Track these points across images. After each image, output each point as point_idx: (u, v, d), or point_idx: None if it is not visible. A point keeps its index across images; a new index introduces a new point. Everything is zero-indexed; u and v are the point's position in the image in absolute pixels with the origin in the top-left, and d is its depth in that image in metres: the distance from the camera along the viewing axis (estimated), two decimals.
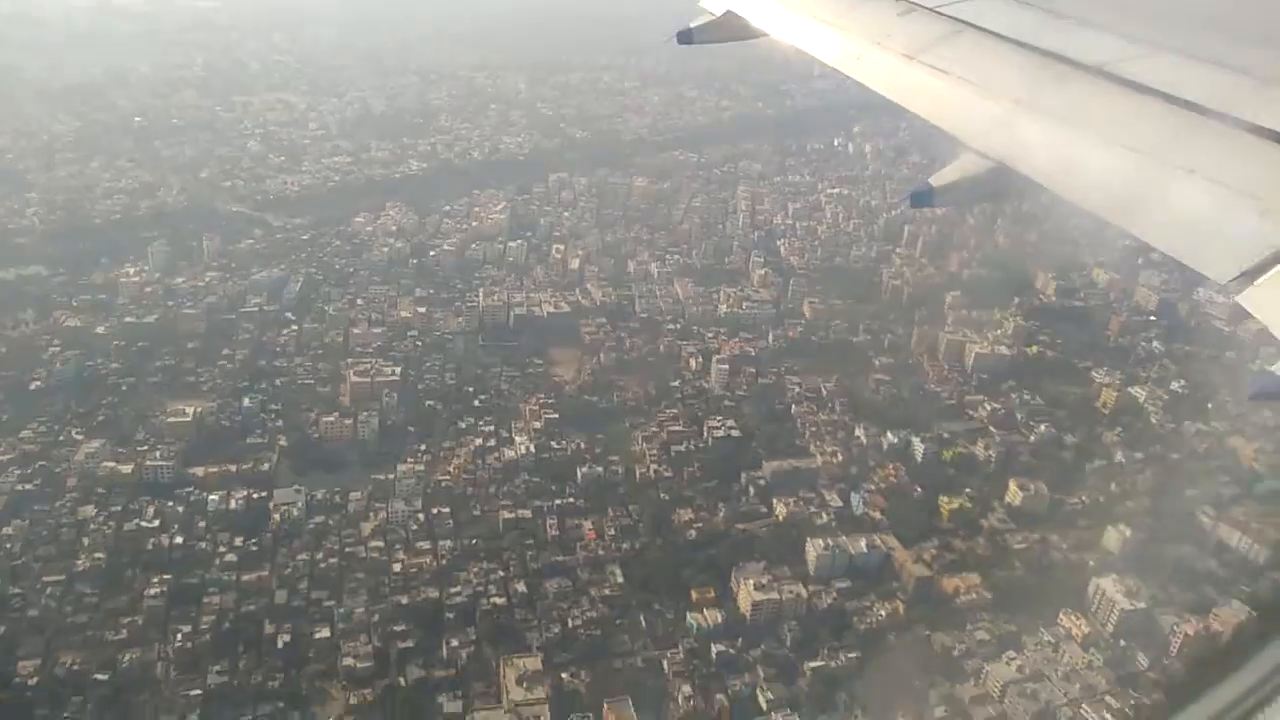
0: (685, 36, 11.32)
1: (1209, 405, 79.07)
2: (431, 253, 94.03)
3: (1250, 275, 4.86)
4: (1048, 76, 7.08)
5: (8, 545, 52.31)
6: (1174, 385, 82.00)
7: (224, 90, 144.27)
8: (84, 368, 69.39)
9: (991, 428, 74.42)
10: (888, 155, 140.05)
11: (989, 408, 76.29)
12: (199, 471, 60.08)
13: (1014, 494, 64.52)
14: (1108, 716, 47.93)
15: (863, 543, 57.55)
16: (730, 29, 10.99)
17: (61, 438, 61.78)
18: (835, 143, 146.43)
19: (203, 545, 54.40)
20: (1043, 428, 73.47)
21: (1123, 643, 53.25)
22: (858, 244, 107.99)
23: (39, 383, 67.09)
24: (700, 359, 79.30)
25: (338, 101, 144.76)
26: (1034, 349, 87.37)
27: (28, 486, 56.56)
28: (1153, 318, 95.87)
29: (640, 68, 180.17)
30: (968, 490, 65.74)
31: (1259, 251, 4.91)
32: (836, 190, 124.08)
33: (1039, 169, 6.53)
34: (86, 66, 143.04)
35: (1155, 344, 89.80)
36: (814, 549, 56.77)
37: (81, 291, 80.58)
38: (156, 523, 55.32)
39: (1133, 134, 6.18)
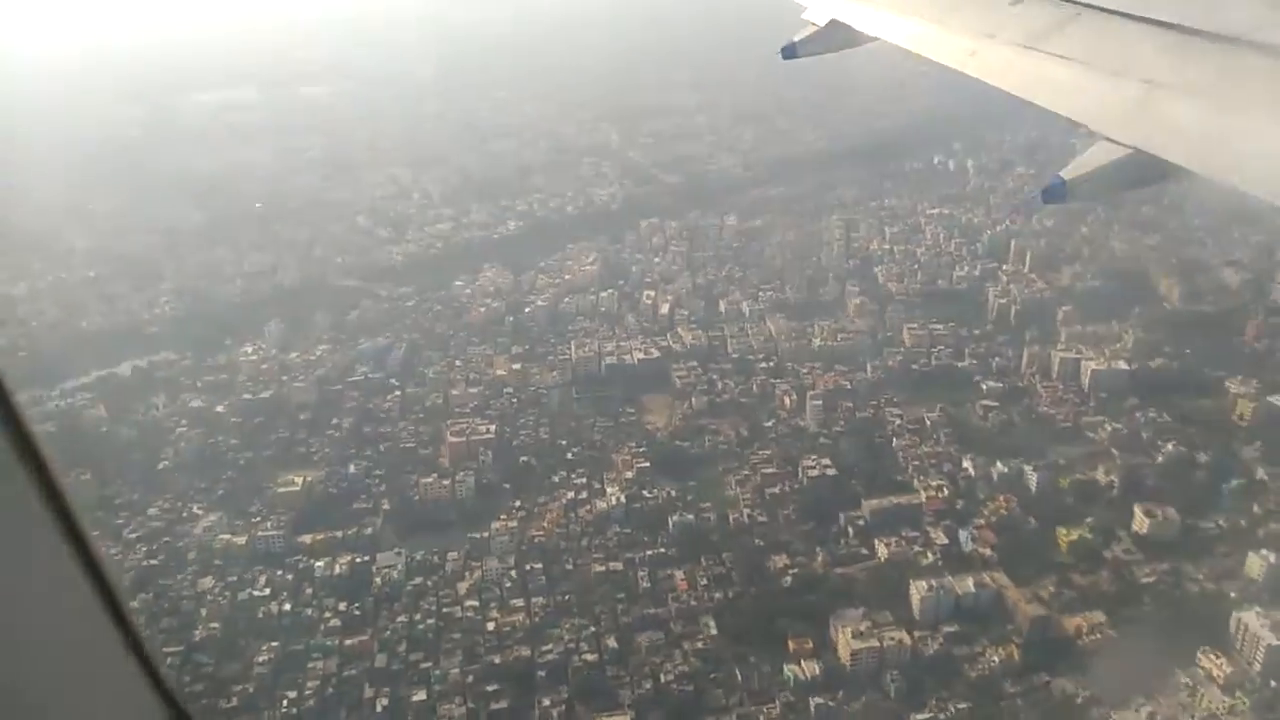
0: (790, 51, 11.09)
1: None
2: (526, 309, 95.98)
3: None
4: (1182, 51, 6.67)
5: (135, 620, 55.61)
6: None
7: (335, 171, 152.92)
8: (205, 446, 73.83)
9: (1113, 450, 69.49)
10: (990, 169, 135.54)
11: (1109, 428, 71.36)
12: (307, 539, 62.59)
13: (1140, 521, 59.84)
14: None
15: (970, 582, 54.34)
16: (835, 39, 10.78)
17: (184, 513, 65.69)
18: (935, 161, 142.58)
19: (309, 611, 56.47)
20: (1170, 446, 68.10)
21: (1273, 683, 48.14)
22: (960, 263, 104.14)
23: (166, 462, 71.73)
24: (794, 396, 77.44)
25: (440, 170, 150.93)
26: (1158, 362, 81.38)
27: (153, 562, 60.27)
28: None
29: (734, 104, 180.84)
30: (1089, 520, 61.41)
31: None
32: (936, 210, 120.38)
33: (1181, 151, 6.09)
34: (211, 157, 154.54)
35: None
36: (918, 591, 54.00)
37: (206, 373, 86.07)
38: (267, 591, 57.85)
39: (1275, 104, 5.66)
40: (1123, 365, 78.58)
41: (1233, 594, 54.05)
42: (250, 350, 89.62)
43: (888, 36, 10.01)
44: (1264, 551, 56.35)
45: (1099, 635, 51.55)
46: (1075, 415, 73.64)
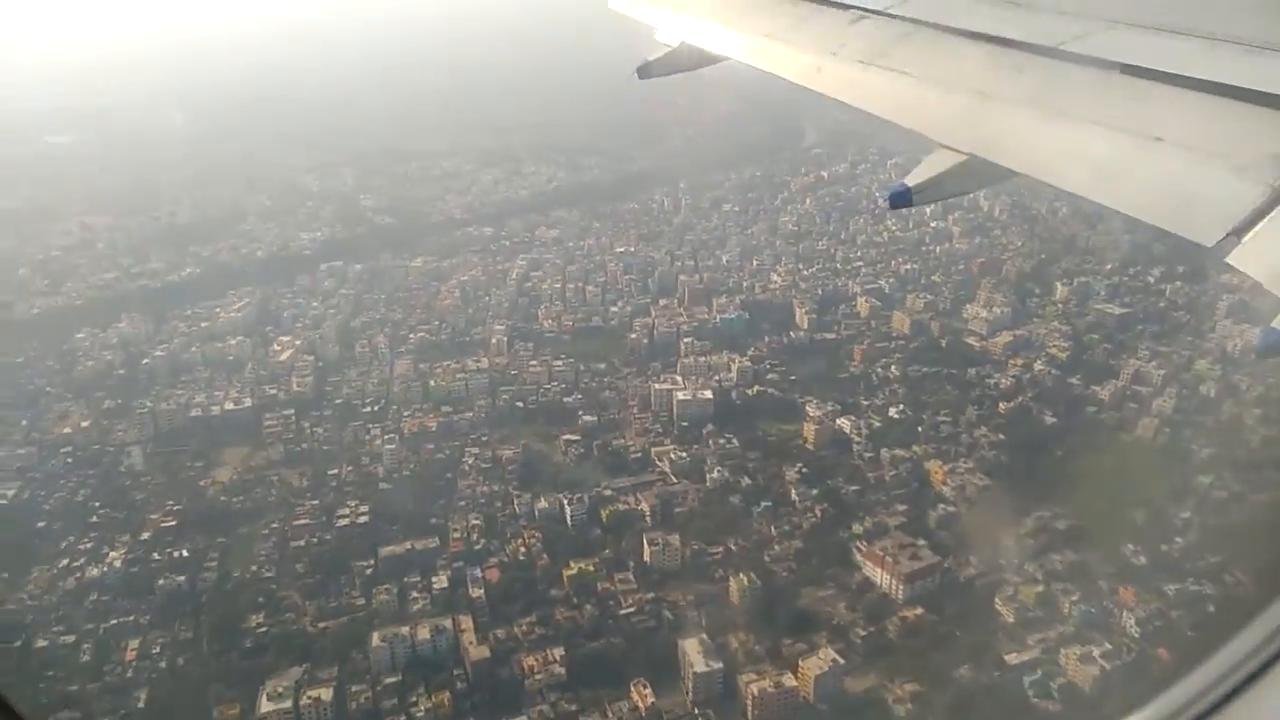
0: (645, 71, 11.41)
1: (918, 428, 75.18)
2: (144, 360, 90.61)
3: (1237, 234, 4.88)
4: (1006, 63, 7.28)
5: None
6: (892, 411, 78.08)
7: (26, 222, 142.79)
8: None
9: (674, 478, 69.96)
10: (700, 207, 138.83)
11: (675, 457, 71.81)
12: None
13: (646, 550, 59.74)
14: None
15: (428, 629, 52.42)
16: (687, 59, 11.24)
17: None
18: (649, 201, 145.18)
19: None
20: (716, 472, 68.96)
21: (697, 712, 48.01)
22: (623, 300, 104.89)
23: None
24: (380, 441, 75.05)
25: (141, 218, 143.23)
26: (754, 389, 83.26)
27: None
28: (903, 341, 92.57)
29: (482, 147, 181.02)
30: (607, 551, 60.99)
31: (1240, 210, 4.95)
32: (623, 249, 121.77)
33: (1010, 155, 6.62)
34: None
35: (893, 369, 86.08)
36: (376, 641, 51.71)
37: None
38: None
39: (1095, 108, 6.29)
40: (708, 395, 79.68)
41: (704, 620, 54.15)
42: None
43: (737, 55, 10.35)
44: (751, 574, 57.04)
45: (548, 672, 50.40)
46: (649, 446, 73.90)
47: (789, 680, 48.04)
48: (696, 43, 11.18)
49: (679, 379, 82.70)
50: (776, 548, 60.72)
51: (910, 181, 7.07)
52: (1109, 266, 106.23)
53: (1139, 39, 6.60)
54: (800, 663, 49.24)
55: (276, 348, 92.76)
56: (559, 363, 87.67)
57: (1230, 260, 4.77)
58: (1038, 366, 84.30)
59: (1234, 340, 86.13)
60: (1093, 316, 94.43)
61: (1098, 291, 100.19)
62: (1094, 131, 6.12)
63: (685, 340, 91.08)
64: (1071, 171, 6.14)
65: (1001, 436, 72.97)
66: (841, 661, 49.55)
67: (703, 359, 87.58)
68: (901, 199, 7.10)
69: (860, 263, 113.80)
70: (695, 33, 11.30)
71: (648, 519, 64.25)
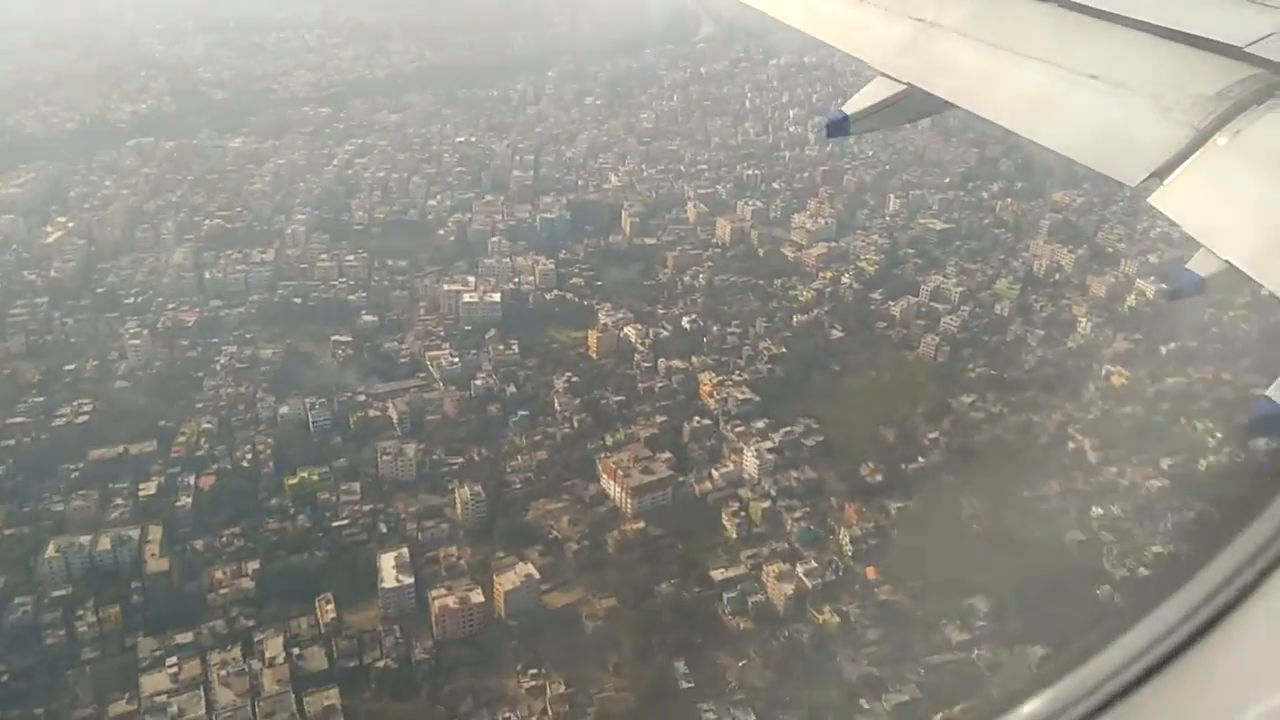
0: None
1: (704, 339, 73.50)
2: None
3: (1159, 175, 4.95)
4: None
5: None
6: (685, 321, 76.09)
7: None
8: None
9: (440, 384, 67.21)
10: (562, 99, 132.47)
11: (446, 362, 68.86)
12: None
13: (379, 460, 57.31)
14: None
15: (108, 540, 49.38)
16: None
17: None
18: (510, 89, 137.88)
19: None
20: (481, 379, 66.44)
21: (382, 628, 46.49)
22: (445, 194, 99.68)
23: None
24: (143, 334, 70.15)
25: None
26: (552, 294, 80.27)
27: None
28: (719, 249, 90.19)
29: (356, 20, 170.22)
30: (342, 460, 58.34)
31: (1164, 152, 4.99)
32: (463, 139, 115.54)
33: (947, 87, 6.60)
34: None
35: (700, 278, 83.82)
36: (52, 551, 48.59)
37: None
38: None
39: (1034, 44, 6.26)
40: (495, 298, 76.46)
41: (419, 534, 52.38)
42: None
43: None
44: (482, 486, 55.28)
45: (234, 587, 48.27)
46: (424, 350, 70.71)
47: (476, 596, 46.66)
48: None
49: (470, 280, 78.98)
50: (520, 458, 58.89)
51: (849, 109, 7.01)
52: (947, 180, 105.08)
53: None
54: (495, 578, 47.91)
55: (50, 229, 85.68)
56: (352, 258, 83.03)
57: (1152, 201, 4.94)
58: (844, 280, 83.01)
59: (1043, 259, 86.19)
60: (916, 231, 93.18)
61: (930, 206, 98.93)
62: (1031, 67, 6.16)
63: (495, 239, 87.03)
64: (1007, 107, 6.18)
65: (784, 350, 71.81)
66: (537, 576, 48.38)
67: (507, 260, 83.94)
68: (839, 128, 7.04)
69: (705, 166, 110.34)
70: None
71: (396, 427, 61.59)
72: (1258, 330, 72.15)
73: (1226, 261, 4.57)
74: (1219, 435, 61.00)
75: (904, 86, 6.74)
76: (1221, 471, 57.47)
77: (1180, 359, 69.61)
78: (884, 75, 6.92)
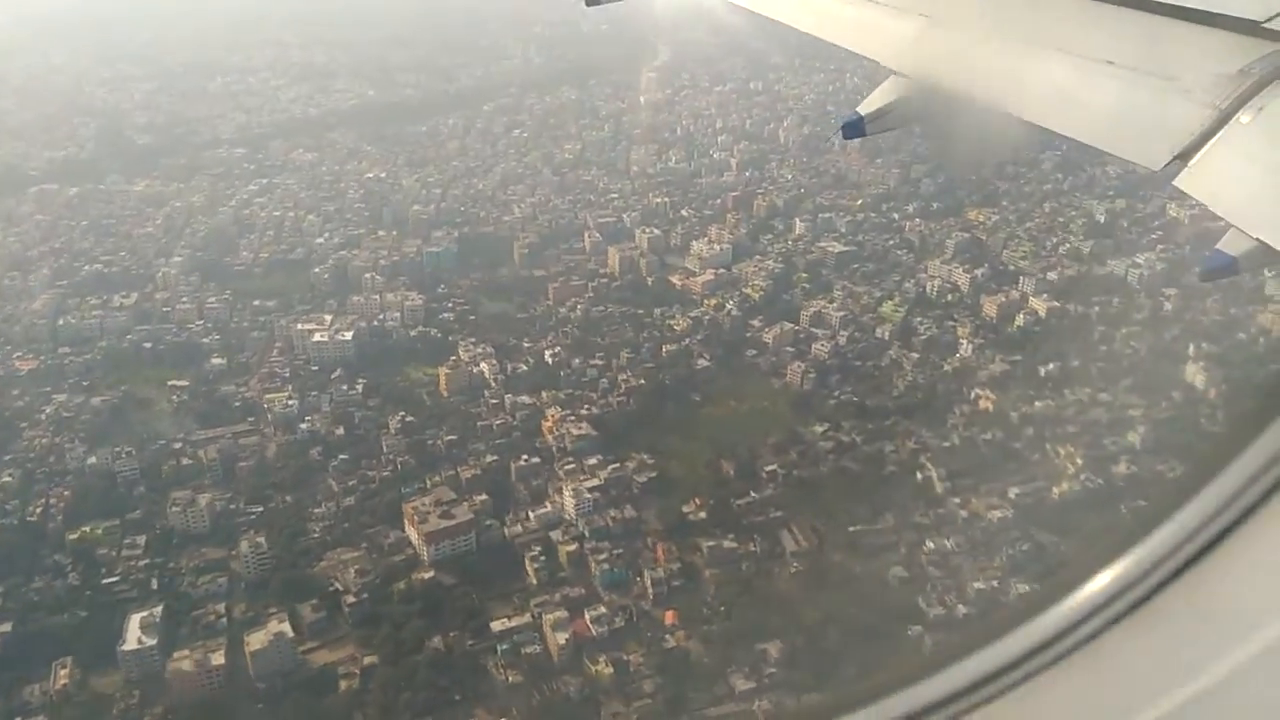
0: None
1: (562, 373, 70.39)
2: None
3: (1183, 158, 4.85)
4: None
5: None
6: (548, 355, 73.06)
7: None
8: None
9: (269, 429, 64.34)
10: (491, 132, 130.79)
11: (282, 406, 65.99)
12: None
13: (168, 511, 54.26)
14: None
15: None
16: None
17: None
18: (442, 125, 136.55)
19: None
20: (309, 422, 63.57)
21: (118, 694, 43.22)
22: (336, 231, 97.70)
23: None
24: None
25: None
26: (417, 330, 77.50)
27: None
28: (606, 279, 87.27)
29: (304, 62, 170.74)
30: (138, 513, 55.33)
31: (1187, 134, 4.87)
32: (373, 175, 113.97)
33: (960, 82, 6.56)
34: None
35: (578, 309, 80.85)
36: None
37: None
38: None
39: (1047, 33, 6.19)
40: (347, 336, 73.77)
41: (194, 589, 49.21)
42: None
43: None
44: (271, 535, 52.17)
45: None
46: (263, 392, 67.98)
47: (218, 658, 43.32)
48: None
49: (326, 319, 76.39)
50: (327, 505, 55.72)
51: (863, 110, 6.97)
52: (860, 202, 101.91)
53: None
54: (245, 637, 44.59)
55: None
56: (215, 300, 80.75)
57: (1178, 184, 4.80)
58: (727, 307, 79.79)
59: (937, 280, 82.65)
60: (815, 254, 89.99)
61: (837, 228, 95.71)
62: (1045, 56, 6.08)
63: (369, 275, 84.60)
64: (1026, 99, 6.06)
65: (642, 382, 68.52)
66: (289, 634, 44.95)
67: (376, 297, 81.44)
68: (854, 129, 7.01)
69: (616, 195, 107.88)
70: None
71: (205, 475, 58.66)
72: (1145, 348, 68.64)
73: (1258, 240, 4.56)
74: (1079, 461, 57.09)
75: (917, 85, 6.74)
76: (1070, 498, 53.76)
77: (1058, 380, 65.72)
78: (896, 74, 6.92)
